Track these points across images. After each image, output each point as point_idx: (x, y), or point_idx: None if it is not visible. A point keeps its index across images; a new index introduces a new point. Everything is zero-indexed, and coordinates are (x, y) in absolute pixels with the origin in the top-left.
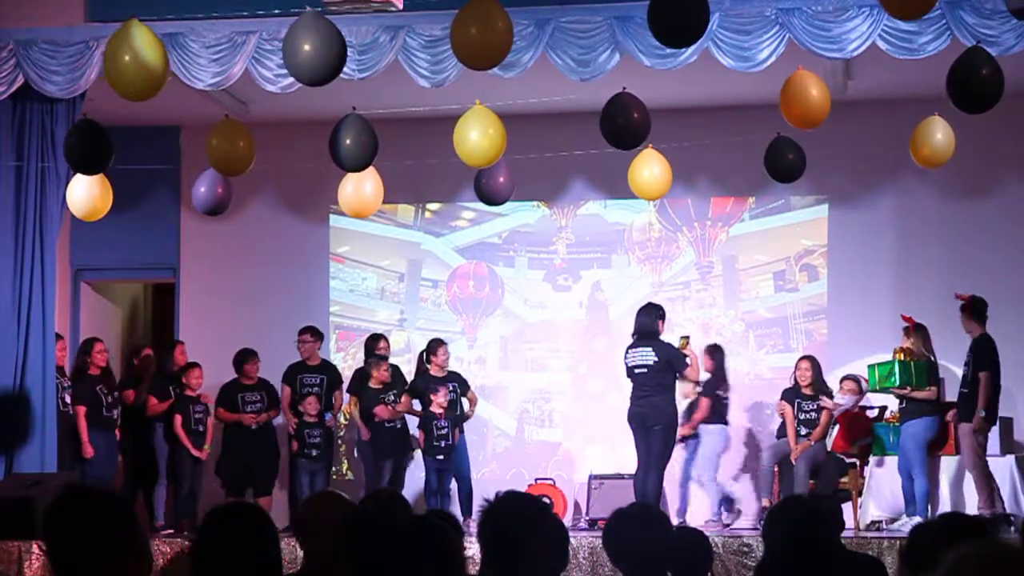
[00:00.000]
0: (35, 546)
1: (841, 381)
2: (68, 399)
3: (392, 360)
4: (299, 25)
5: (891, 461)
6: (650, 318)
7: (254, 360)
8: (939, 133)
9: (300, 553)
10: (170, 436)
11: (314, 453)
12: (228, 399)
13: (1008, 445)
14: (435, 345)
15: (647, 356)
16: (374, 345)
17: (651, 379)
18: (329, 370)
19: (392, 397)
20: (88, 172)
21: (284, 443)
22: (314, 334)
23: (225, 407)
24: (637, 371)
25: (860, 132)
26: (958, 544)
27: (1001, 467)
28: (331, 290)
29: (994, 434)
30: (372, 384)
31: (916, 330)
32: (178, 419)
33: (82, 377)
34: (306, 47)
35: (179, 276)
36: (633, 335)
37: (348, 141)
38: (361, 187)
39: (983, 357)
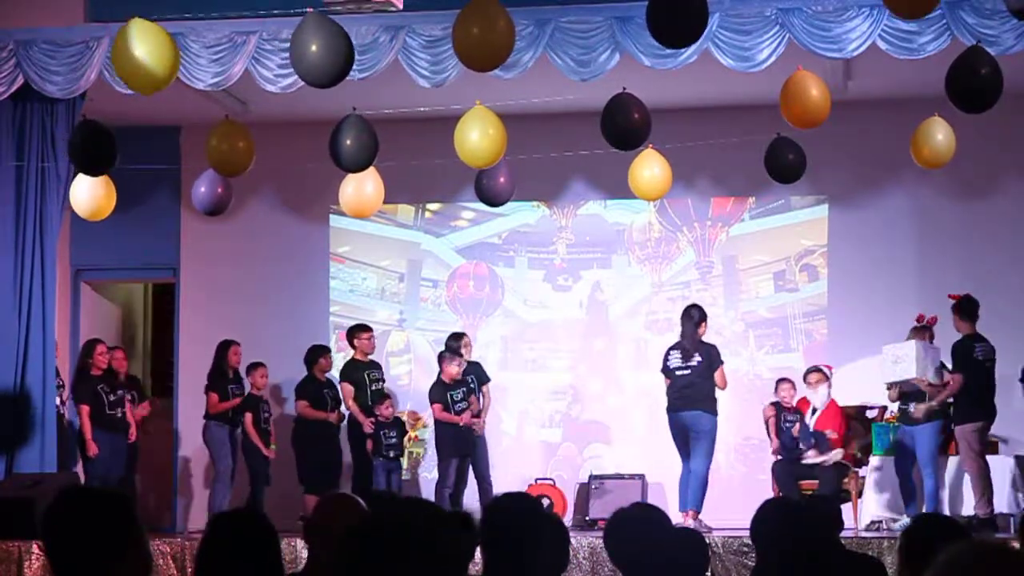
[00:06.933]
0: (35, 546)
1: (807, 375)
2: (58, 401)
3: (392, 361)
4: (306, 25)
5: (890, 461)
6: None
7: (327, 355)
8: (939, 134)
9: (301, 554)
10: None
11: (391, 454)
12: (313, 396)
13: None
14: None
15: None
16: (457, 343)
17: None
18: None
19: (460, 395)
20: (92, 173)
21: (343, 441)
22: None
23: (311, 404)
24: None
25: (860, 132)
26: (948, 544)
27: (1001, 466)
28: (331, 290)
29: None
30: (443, 379)
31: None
32: (248, 417)
33: (84, 377)
34: (314, 47)
35: (179, 276)
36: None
37: (348, 141)
38: (362, 187)
39: (956, 359)
